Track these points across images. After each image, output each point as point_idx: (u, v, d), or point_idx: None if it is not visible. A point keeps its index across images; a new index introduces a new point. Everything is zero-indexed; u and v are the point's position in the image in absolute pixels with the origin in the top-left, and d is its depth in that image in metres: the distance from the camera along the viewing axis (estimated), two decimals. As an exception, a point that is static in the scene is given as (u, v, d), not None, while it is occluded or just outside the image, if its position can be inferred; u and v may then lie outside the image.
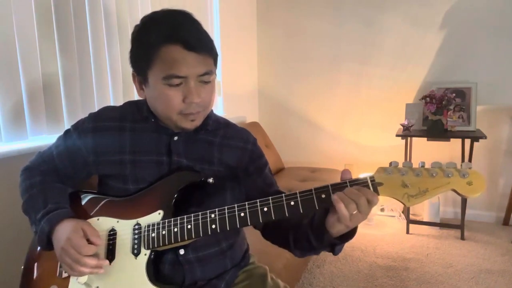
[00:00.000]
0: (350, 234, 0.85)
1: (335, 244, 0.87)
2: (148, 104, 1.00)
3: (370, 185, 0.78)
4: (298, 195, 0.82)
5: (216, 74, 0.99)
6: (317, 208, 0.81)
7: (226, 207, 0.87)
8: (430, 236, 2.79)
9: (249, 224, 0.85)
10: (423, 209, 3.04)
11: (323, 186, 0.81)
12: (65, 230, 0.89)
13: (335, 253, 0.90)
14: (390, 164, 0.78)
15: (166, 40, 0.88)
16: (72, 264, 0.87)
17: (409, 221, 2.87)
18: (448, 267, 2.33)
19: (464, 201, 2.80)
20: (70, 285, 0.93)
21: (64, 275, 0.95)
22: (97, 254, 0.90)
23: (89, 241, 0.88)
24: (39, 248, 1.00)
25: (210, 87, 0.95)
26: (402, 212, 3.07)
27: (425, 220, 2.99)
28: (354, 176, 0.81)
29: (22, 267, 1.04)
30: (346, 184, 0.79)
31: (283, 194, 0.84)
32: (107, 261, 0.90)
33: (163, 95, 0.91)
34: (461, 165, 0.75)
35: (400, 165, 0.77)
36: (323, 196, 0.81)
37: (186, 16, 0.92)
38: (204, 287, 0.99)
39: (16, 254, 1.15)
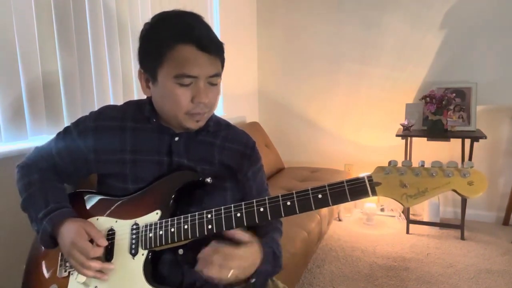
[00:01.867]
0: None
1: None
2: (154, 103, 1.00)
3: (367, 185, 0.77)
4: (294, 195, 0.82)
5: (221, 78, 0.99)
6: (314, 208, 0.81)
7: (222, 207, 0.87)
8: (430, 236, 2.78)
9: (245, 224, 0.85)
10: (423, 209, 3.03)
11: (319, 186, 0.81)
12: (69, 233, 0.90)
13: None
14: (389, 163, 0.77)
15: (179, 39, 0.89)
16: (77, 266, 0.88)
17: (409, 221, 2.87)
18: (448, 267, 2.33)
19: (464, 201, 2.80)
20: (70, 284, 0.93)
21: (64, 274, 0.95)
22: (101, 257, 0.90)
23: (93, 243, 0.89)
24: (41, 247, 1.00)
25: (217, 89, 0.97)
26: (402, 212, 3.07)
27: (425, 220, 2.99)
28: (353, 177, 0.80)
29: (24, 266, 1.04)
30: (343, 184, 0.79)
31: (280, 194, 0.84)
32: (112, 265, 0.90)
33: (172, 94, 0.91)
34: (462, 164, 0.74)
35: (399, 165, 0.77)
36: (320, 196, 0.81)
37: (197, 18, 0.94)
38: (203, 288, 0.99)
39: (17, 254, 1.15)
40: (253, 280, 0.90)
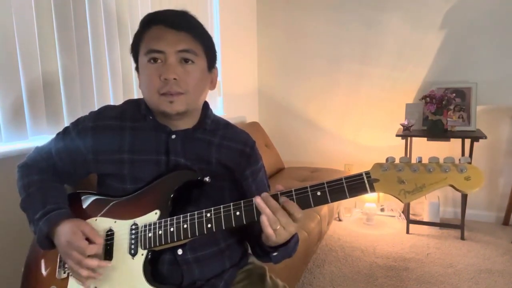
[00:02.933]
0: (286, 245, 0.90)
1: (269, 252, 0.93)
2: (142, 94, 1.01)
3: (366, 181, 0.77)
4: (293, 192, 0.83)
5: (203, 61, 0.98)
6: (313, 205, 0.81)
7: (221, 206, 0.87)
8: (430, 236, 2.78)
9: (244, 222, 0.85)
10: (423, 209, 3.03)
11: (318, 183, 0.81)
12: (64, 233, 0.90)
13: (272, 261, 0.97)
14: (387, 160, 0.77)
15: (151, 23, 0.95)
16: (74, 266, 0.88)
17: (409, 221, 2.87)
18: (448, 267, 2.33)
19: (464, 200, 2.80)
20: (69, 285, 0.93)
21: (63, 275, 0.95)
22: (98, 255, 0.90)
23: (90, 241, 0.89)
24: (39, 248, 1.00)
25: (193, 69, 0.95)
26: (402, 212, 3.07)
27: (425, 220, 2.99)
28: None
29: (23, 267, 1.04)
30: (342, 180, 0.79)
31: (279, 192, 0.84)
32: (110, 263, 0.90)
33: (145, 73, 0.95)
34: (459, 160, 0.74)
35: (397, 161, 0.77)
36: (318, 193, 0.81)
37: (183, 11, 0.97)
38: (203, 287, 0.98)
39: (16, 255, 1.15)
40: (275, 254, 0.93)
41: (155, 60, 0.93)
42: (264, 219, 0.81)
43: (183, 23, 0.94)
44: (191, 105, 0.98)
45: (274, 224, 0.80)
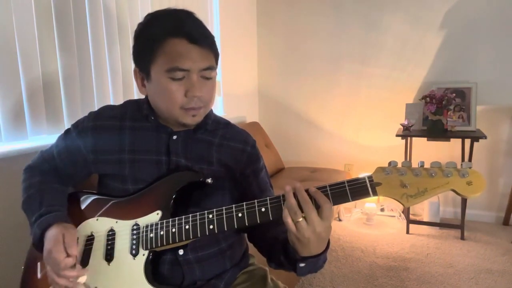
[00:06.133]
0: (316, 257, 0.83)
1: (297, 260, 0.85)
2: (150, 101, 1.00)
3: (368, 185, 0.77)
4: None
5: (216, 73, 0.99)
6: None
7: (224, 208, 0.87)
8: (430, 236, 2.78)
9: (246, 224, 0.85)
10: (423, 209, 3.03)
11: (321, 186, 0.81)
12: (48, 240, 0.89)
13: (297, 272, 0.88)
14: (389, 163, 0.77)
15: (170, 33, 0.89)
16: (52, 275, 0.87)
17: (409, 221, 2.87)
18: (448, 267, 2.33)
19: (464, 201, 2.80)
20: None
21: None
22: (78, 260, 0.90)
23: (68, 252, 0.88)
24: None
25: (211, 83, 0.96)
26: (402, 212, 3.07)
27: (425, 220, 2.99)
28: (353, 177, 0.80)
29: (23, 267, 1.04)
30: (344, 184, 0.79)
31: (281, 194, 0.83)
32: (87, 271, 0.90)
33: (166, 89, 0.91)
34: (461, 164, 0.74)
35: (399, 165, 0.77)
36: None
37: (189, 14, 0.94)
38: (203, 287, 0.99)
39: (16, 254, 1.15)
40: (302, 265, 0.85)
41: (178, 77, 0.90)
42: (286, 217, 0.76)
43: (205, 39, 0.92)
44: (206, 113, 1.00)
45: (294, 215, 0.76)
